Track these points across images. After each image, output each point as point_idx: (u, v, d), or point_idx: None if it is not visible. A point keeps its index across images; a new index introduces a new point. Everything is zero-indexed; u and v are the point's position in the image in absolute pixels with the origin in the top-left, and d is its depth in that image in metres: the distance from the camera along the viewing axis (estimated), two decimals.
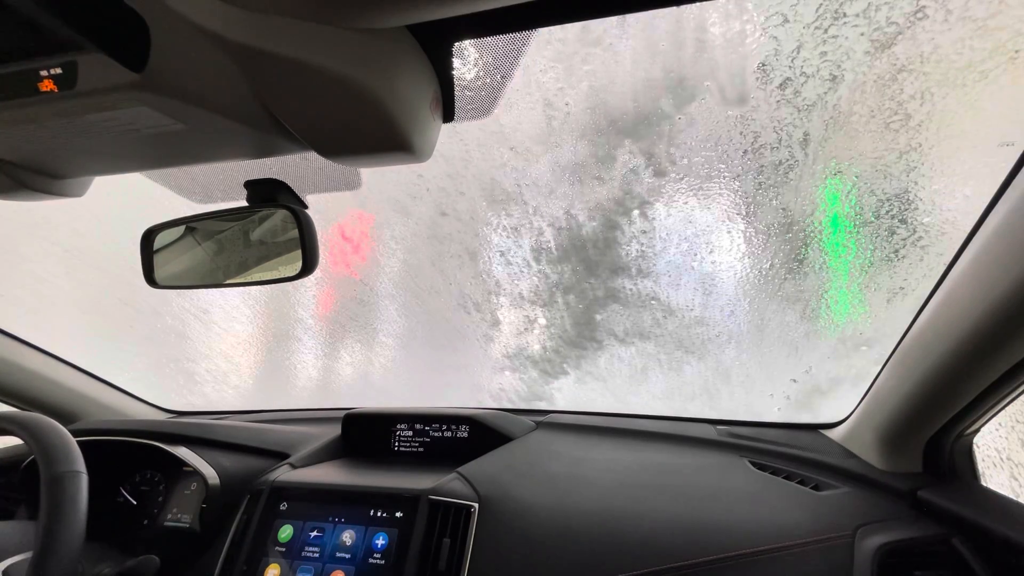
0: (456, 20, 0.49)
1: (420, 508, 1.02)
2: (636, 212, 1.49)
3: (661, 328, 1.67)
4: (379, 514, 1.04)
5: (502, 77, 0.66)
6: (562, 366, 1.87)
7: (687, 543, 0.92)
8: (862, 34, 0.99)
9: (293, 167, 0.91)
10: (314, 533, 1.05)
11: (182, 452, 1.19)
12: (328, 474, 1.19)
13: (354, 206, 1.72)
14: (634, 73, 1.19)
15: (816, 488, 1.04)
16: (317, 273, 0.82)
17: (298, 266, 0.81)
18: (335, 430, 1.39)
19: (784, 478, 1.08)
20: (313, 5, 0.43)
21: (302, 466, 1.23)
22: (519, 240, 1.64)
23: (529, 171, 1.48)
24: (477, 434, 1.30)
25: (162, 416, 1.75)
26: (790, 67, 1.07)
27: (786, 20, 1.01)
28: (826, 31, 1.00)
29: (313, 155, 0.59)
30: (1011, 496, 0.91)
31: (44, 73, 0.47)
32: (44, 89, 0.47)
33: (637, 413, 1.42)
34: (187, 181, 1.01)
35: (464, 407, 1.39)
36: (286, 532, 1.06)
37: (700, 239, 1.47)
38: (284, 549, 1.04)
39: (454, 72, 0.59)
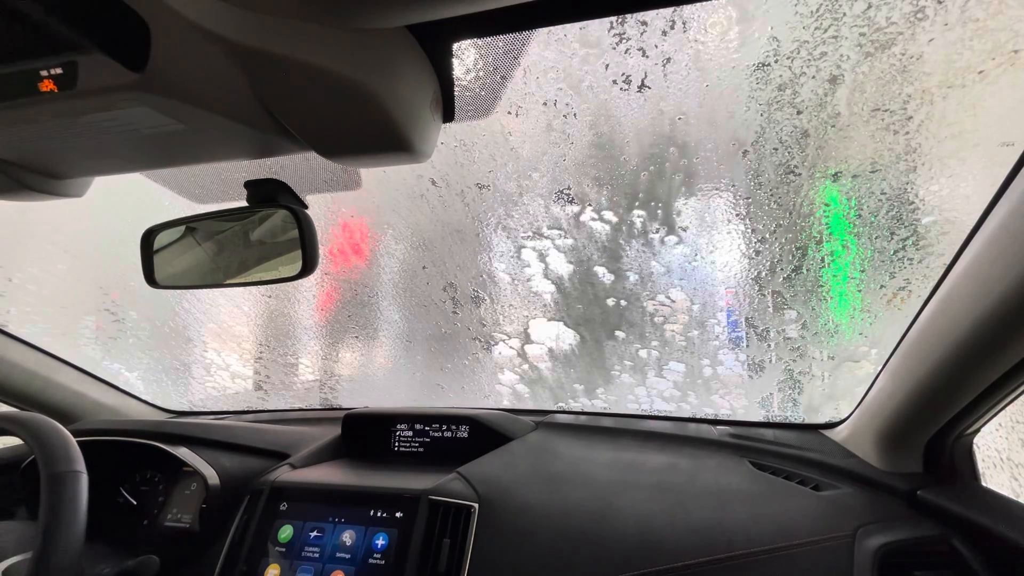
0: (456, 20, 0.49)
1: (420, 508, 1.02)
2: (635, 212, 1.49)
3: (661, 329, 1.67)
4: (379, 514, 1.04)
5: (502, 77, 0.66)
6: (561, 366, 1.87)
7: (687, 543, 0.92)
8: (862, 34, 0.99)
9: (293, 167, 0.92)
10: (314, 533, 1.05)
11: (182, 452, 1.19)
12: (328, 474, 1.19)
13: (354, 207, 1.72)
14: (634, 76, 1.19)
15: (816, 488, 1.04)
16: (317, 273, 0.82)
17: (298, 266, 0.81)
18: (335, 430, 1.39)
19: (784, 478, 1.08)
20: (313, 5, 0.43)
21: (302, 466, 1.23)
22: (518, 240, 1.64)
23: (530, 172, 1.48)
24: (477, 434, 1.30)
25: (162, 416, 1.75)
26: (789, 68, 1.07)
27: (786, 21, 1.01)
28: (825, 31, 1.00)
29: (313, 155, 0.59)
30: (1011, 496, 0.91)
31: (44, 73, 0.47)
32: (44, 89, 0.47)
33: (637, 413, 1.42)
34: (187, 181, 1.01)
35: (464, 407, 1.39)
36: (286, 532, 1.06)
37: (700, 239, 1.47)
38: (284, 549, 1.04)
39: (454, 72, 0.59)
